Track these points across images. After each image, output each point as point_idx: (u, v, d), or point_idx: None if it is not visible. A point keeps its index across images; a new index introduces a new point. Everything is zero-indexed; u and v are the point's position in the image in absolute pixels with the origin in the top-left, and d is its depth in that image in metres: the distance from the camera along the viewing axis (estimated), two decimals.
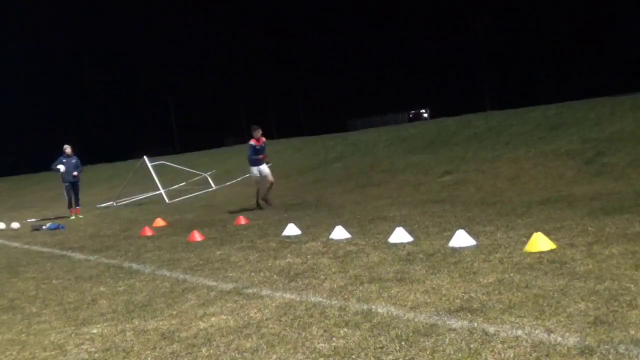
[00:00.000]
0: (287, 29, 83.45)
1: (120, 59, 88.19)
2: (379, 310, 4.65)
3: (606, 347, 3.45)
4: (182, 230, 11.09)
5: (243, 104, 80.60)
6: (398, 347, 3.82)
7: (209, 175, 21.56)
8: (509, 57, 63.33)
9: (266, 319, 4.77)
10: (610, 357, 3.33)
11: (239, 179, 21.08)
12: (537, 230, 6.50)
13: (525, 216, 8.39)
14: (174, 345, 4.39)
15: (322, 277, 6.02)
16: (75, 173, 16.10)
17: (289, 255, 7.37)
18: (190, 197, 18.57)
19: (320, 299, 5.18)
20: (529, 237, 6.41)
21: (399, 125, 30.07)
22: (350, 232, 8.34)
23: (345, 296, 5.20)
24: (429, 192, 12.97)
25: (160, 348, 4.37)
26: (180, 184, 21.71)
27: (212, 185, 20.26)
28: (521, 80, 61.87)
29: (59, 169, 16.11)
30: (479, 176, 13.41)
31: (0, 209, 23.92)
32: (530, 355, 3.46)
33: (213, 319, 4.95)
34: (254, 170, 13.24)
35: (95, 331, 5.01)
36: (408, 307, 4.66)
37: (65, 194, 16.47)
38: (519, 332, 3.83)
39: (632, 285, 4.57)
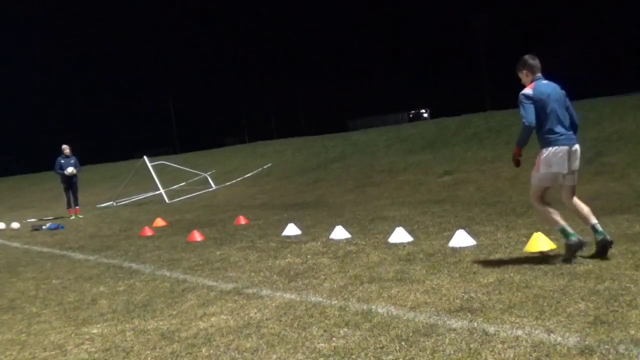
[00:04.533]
0: (287, 29, 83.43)
1: (120, 59, 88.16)
2: (379, 310, 4.65)
3: (606, 347, 3.45)
4: (182, 230, 11.09)
5: (243, 104, 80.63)
6: (398, 347, 3.82)
7: (208, 175, 21.57)
8: (509, 57, 63.37)
9: (266, 319, 4.77)
10: (610, 357, 3.33)
11: (238, 179, 21.09)
12: (537, 230, 6.50)
13: (525, 216, 8.38)
14: (174, 345, 4.38)
15: (322, 277, 6.01)
16: (70, 169, 15.96)
17: (289, 255, 7.36)
18: (190, 197, 18.56)
19: (320, 299, 5.18)
20: (529, 237, 6.41)
21: (399, 125, 30.03)
22: (350, 232, 8.34)
23: (345, 296, 5.20)
24: (429, 192, 12.97)
25: (160, 348, 4.37)
26: (180, 184, 21.72)
27: (212, 185, 20.26)
28: (521, 80, 61.78)
29: (63, 172, 16.05)
30: (479, 176, 13.40)
31: (0, 209, 23.91)
32: (530, 355, 3.46)
33: (213, 319, 4.95)
34: (550, 154, 5.78)
35: (95, 331, 5.00)
36: (408, 307, 4.66)
37: (64, 193, 16.47)
38: (519, 332, 3.83)
39: (632, 285, 4.57)
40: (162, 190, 18.97)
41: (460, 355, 3.58)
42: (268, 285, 5.96)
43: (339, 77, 76.85)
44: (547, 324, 3.95)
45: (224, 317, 4.95)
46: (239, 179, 21.08)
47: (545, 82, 5.85)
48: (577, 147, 5.75)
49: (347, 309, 4.79)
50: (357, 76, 76.86)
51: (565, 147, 5.68)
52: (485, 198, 11.04)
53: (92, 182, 29.42)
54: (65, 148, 16.27)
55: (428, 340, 3.87)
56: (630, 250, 5.65)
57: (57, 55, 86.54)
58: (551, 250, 6.01)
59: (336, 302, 5.04)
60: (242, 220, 11.14)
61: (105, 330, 4.99)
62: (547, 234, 6.52)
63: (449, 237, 7.07)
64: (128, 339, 4.69)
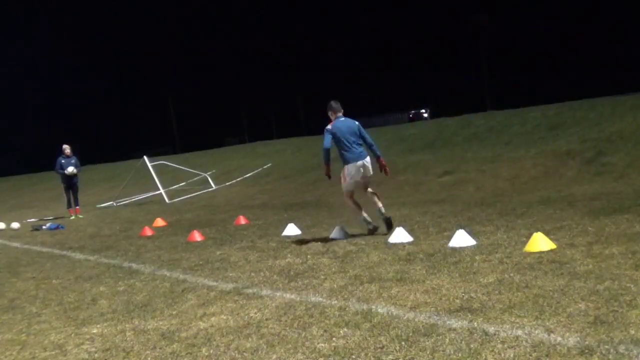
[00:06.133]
0: (287, 28, 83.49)
1: (120, 59, 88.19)
2: (379, 310, 4.65)
3: (606, 347, 3.45)
4: (182, 230, 11.09)
5: (243, 104, 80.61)
6: (398, 347, 3.82)
7: (208, 175, 21.57)
8: (509, 57, 63.37)
9: (266, 319, 4.77)
10: (610, 357, 3.33)
11: (238, 179, 21.09)
12: (537, 230, 6.50)
13: (525, 216, 8.38)
14: (174, 345, 4.39)
15: (322, 277, 6.01)
16: (70, 169, 15.95)
17: (289, 255, 7.37)
18: (190, 197, 18.56)
19: (320, 299, 5.18)
20: (529, 237, 6.40)
21: (399, 125, 30.01)
22: (350, 232, 8.33)
23: (345, 296, 5.20)
24: (429, 192, 12.96)
25: (160, 348, 4.37)
26: (180, 184, 21.72)
27: (212, 185, 20.26)
28: (521, 80, 61.86)
29: (64, 172, 16.04)
30: (479, 176, 13.40)
31: (0, 209, 23.91)
32: (530, 355, 3.46)
33: (213, 319, 4.95)
34: (348, 169, 8.29)
35: (95, 331, 5.01)
36: (408, 307, 4.66)
37: (64, 193, 16.47)
38: (519, 332, 3.83)
39: (632, 285, 4.57)
40: (162, 190, 18.96)
41: (460, 355, 3.58)
42: (268, 285, 5.96)
43: (339, 77, 76.82)
44: (547, 324, 3.95)
45: (224, 317, 4.95)
46: (239, 179, 21.08)
47: (342, 119, 8.23)
48: (367, 160, 8.14)
49: (347, 309, 4.79)
50: (357, 76, 76.85)
51: (358, 162, 8.09)
52: (485, 198, 11.04)
53: (92, 182, 29.42)
54: (66, 148, 16.26)
55: (428, 340, 3.87)
56: (630, 250, 5.65)
57: (57, 55, 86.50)
58: (551, 250, 6.01)
59: (336, 302, 5.04)
60: (242, 220, 11.14)
61: (105, 330, 4.99)
62: (547, 234, 6.53)
63: (449, 237, 7.07)
64: (128, 339, 4.69)
